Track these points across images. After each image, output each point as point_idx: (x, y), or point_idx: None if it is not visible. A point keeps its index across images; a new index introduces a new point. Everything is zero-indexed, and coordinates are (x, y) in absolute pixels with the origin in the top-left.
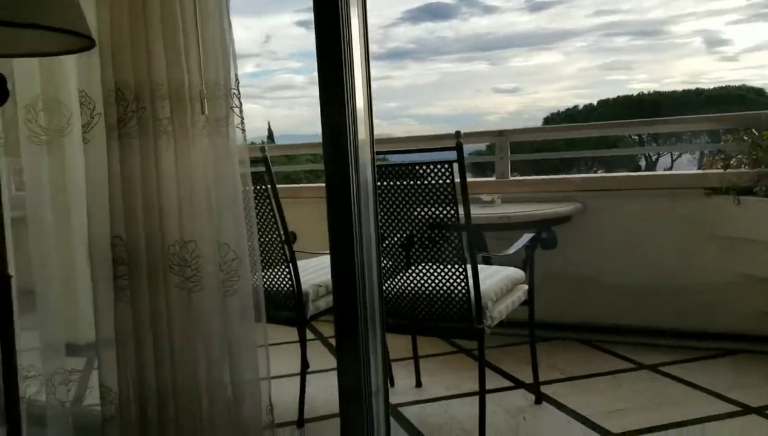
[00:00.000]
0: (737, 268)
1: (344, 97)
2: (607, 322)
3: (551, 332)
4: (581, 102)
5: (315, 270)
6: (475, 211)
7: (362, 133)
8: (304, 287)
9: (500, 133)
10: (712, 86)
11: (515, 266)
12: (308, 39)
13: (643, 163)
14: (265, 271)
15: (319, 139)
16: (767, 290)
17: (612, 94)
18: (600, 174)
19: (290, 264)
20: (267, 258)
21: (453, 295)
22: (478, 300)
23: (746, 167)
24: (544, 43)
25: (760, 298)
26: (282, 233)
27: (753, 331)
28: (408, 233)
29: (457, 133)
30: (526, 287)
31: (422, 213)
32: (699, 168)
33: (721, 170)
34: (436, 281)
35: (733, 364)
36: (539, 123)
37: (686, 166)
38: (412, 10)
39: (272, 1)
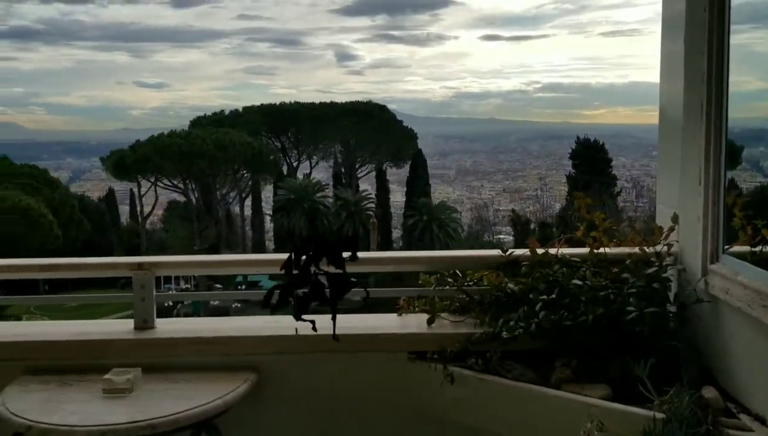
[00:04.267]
0: None
1: None
2: None
3: None
4: (227, 104)
5: None
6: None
7: None
8: None
9: (140, 266)
10: (343, 100)
11: None
12: None
13: (285, 168)
14: None
15: None
16: None
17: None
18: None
19: None
20: None
21: None
22: None
23: (456, 315)
24: (191, 41)
25: None
26: None
27: None
28: None
29: None
30: None
31: None
32: (333, 175)
33: (425, 327)
34: None
35: None
36: (185, 122)
37: (324, 171)
38: None
39: None
